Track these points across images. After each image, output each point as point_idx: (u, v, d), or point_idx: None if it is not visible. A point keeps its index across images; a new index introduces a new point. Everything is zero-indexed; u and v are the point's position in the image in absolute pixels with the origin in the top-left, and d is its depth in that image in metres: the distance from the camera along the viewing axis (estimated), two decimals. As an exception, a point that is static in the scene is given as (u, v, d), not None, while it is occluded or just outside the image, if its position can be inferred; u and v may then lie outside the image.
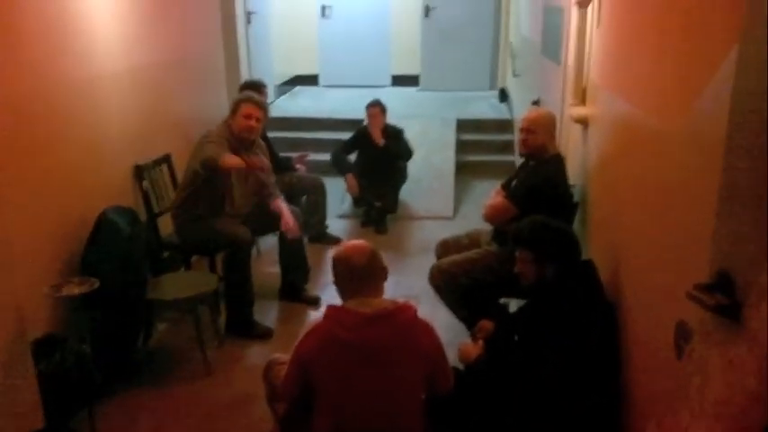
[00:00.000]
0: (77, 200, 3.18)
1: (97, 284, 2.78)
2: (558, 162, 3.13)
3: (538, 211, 2.66)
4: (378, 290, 2.07)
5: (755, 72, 1.17)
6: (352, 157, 5.39)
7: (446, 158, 6.25)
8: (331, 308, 2.04)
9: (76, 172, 3.20)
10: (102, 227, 3.10)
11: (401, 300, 2.13)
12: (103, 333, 2.95)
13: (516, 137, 4.11)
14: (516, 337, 2.55)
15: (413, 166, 5.52)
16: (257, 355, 3.35)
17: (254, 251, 3.83)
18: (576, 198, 3.24)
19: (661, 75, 2.01)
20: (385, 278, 2.11)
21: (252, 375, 2.97)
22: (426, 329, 2.06)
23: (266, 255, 4.52)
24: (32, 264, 2.80)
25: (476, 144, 6.75)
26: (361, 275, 2.04)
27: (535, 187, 3.02)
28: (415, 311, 2.05)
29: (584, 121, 3.36)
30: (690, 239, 1.62)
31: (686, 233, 1.66)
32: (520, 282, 2.49)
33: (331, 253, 4.44)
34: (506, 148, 6.63)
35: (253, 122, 3.51)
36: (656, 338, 1.87)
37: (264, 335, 3.55)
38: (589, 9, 3.32)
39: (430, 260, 3.46)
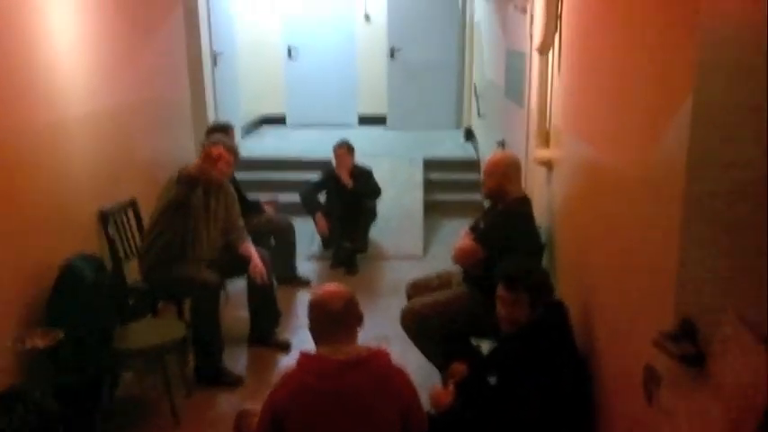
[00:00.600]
0: (41, 247, 3.11)
1: (61, 336, 2.71)
2: (523, 204, 3.16)
3: (506, 252, 2.69)
4: (352, 336, 2.07)
5: (711, 120, 1.23)
6: (322, 196, 5.41)
7: (414, 198, 6.31)
8: (304, 355, 2.03)
9: (40, 219, 3.14)
10: (67, 275, 3.03)
11: (374, 344, 2.13)
12: (68, 384, 2.87)
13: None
14: (493, 380, 2.55)
15: (382, 206, 5.54)
16: (227, 403, 3.28)
17: (222, 296, 3.78)
18: (543, 239, 3.29)
19: (621, 120, 2.08)
20: (360, 325, 2.11)
21: (222, 425, 2.92)
22: (400, 375, 2.07)
23: (235, 298, 4.46)
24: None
25: (443, 183, 6.83)
26: (336, 320, 2.03)
27: (502, 230, 3.06)
28: (389, 357, 2.06)
29: (548, 164, 3.44)
30: (656, 283, 1.65)
31: (652, 277, 1.70)
32: (501, 325, 2.47)
33: (301, 295, 4.51)
34: (473, 187, 6.70)
35: (222, 166, 3.51)
36: (626, 381, 1.90)
37: (234, 382, 3.48)
38: (549, 55, 3.42)
39: (400, 301, 3.47)
